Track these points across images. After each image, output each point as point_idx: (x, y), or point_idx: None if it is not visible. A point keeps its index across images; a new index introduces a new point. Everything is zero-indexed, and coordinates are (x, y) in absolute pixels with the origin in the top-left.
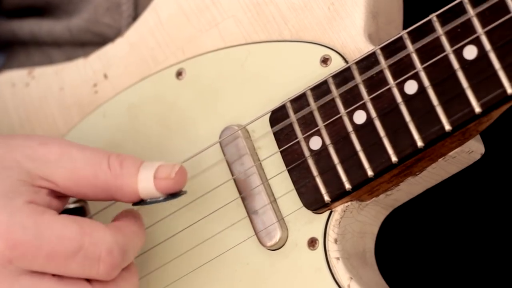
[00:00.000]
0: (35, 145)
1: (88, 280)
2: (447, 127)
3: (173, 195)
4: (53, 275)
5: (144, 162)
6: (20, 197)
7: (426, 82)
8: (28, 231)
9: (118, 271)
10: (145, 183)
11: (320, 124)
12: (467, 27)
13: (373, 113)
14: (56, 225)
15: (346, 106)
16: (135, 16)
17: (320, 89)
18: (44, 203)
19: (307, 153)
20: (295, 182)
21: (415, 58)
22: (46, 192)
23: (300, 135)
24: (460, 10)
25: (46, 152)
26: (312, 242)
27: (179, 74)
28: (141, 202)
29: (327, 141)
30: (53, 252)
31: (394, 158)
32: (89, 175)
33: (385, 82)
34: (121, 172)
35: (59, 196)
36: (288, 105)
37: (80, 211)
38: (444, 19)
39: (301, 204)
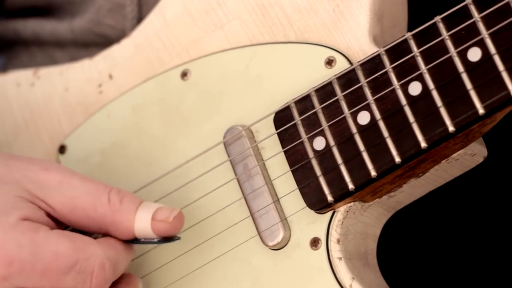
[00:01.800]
0: (37, 169)
1: None
2: (451, 128)
3: (167, 239)
4: None
5: (144, 202)
6: (15, 212)
7: (430, 83)
8: (23, 249)
9: (108, 285)
10: (142, 223)
11: (324, 124)
12: (472, 30)
13: (377, 114)
14: (51, 242)
15: (350, 107)
16: (139, 18)
17: (325, 90)
18: (40, 219)
19: (310, 153)
20: (298, 182)
21: (419, 59)
22: (43, 212)
23: (304, 136)
24: (464, 12)
25: (47, 177)
26: (314, 242)
27: (184, 74)
28: (134, 240)
29: (331, 141)
30: (48, 268)
31: (397, 159)
32: (88, 206)
33: (389, 83)
34: (119, 208)
35: (57, 221)
36: (293, 105)
37: None
38: (448, 22)
39: (304, 204)
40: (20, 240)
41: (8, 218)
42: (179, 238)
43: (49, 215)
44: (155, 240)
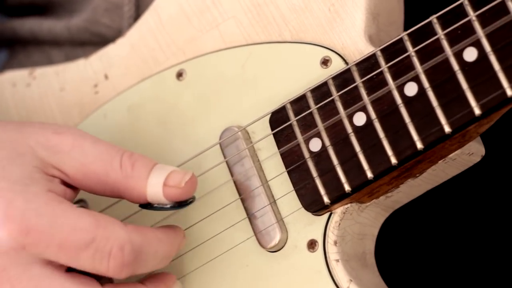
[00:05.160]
0: (49, 134)
1: (101, 283)
2: (447, 129)
3: (181, 204)
4: (66, 271)
5: (157, 165)
6: (37, 184)
7: (426, 84)
8: (43, 218)
9: (129, 271)
10: (154, 188)
11: (320, 125)
12: (468, 29)
13: (373, 115)
14: (71, 215)
15: (346, 107)
16: (136, 17)
17: (320, 90)
18: (60, 192)
19: (306, 154)
20: (294, 184)
21: (415, 60)
22: (59, 181)
23: (300, 137)
24: (460, 12)
25: (59, 141)
26: (311, 244)
27: (179, 75)
28: (148, 205)
29: (327, 142)
30: (65, 241)
31: (393, 160)
32: (100, 171)
33: (385, 83)
34: (131, 174)
35: (71, 186)
36: (288, 106)
37: None
38: (444, 21)
39: (300, 206)
40: (40, 209)
41: (30, 188)
42: (192, 201)
43: (64, 182)
44: (168, 206)
